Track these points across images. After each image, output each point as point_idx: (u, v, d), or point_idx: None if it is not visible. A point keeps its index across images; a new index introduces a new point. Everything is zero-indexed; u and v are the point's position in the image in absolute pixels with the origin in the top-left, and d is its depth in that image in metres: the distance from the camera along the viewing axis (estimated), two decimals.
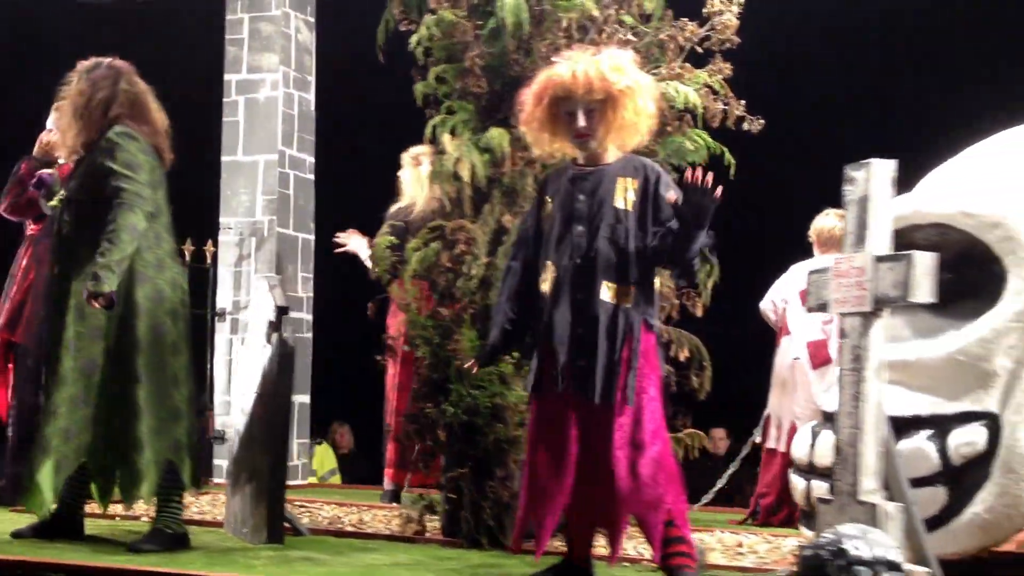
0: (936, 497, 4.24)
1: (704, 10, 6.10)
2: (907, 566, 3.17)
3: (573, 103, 3.99)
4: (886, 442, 4.02)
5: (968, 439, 4.18)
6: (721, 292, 5.70)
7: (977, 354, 4.20)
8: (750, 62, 6.88)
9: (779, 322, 6.37)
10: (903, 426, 4.34)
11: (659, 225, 3.96)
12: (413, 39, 5.18)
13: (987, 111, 6.26)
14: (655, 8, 5.81)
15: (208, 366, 7.96)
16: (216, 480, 7.94)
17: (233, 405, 5.10)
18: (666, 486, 3.93)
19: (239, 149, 8.23)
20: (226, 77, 8.32)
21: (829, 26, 9.02)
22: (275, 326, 4.94)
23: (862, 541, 3.11)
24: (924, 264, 3.88)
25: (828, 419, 4.53)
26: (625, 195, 3.99)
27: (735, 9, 6.08)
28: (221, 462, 7.95)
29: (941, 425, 4.26)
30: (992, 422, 4.16)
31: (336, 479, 9.50)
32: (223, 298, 8.10)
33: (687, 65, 6.03)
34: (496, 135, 4.89)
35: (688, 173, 3.82)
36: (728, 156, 6.26)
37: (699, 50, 6.21)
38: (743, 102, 6.22)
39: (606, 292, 3.91)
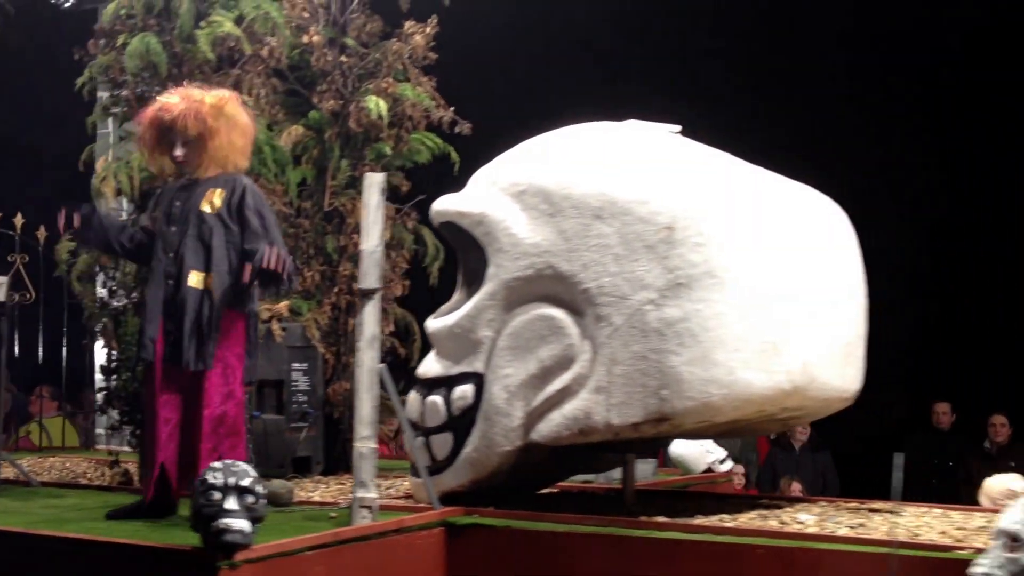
0: (446, 441, 5.27)
1: (401, 31, 7.17)
2: (268, 489, 4.17)
3: (174, 136, 5.11)
4: (377, 397, 5.08)
5: (462, 394, 5.19)
6: (448, 275, 6.72)
7: (467, 327, 5.20)
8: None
9: None
10: (431, 385, 5.40)
11: (243, 230, 5.04)
12: (79, 80, 6.37)
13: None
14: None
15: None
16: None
17: None
18: (225, 438, 5.03)
19: None
20: None
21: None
22: None
23: (221, 472, 4.11)
24: (371, 257, 4.92)
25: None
26: (212, 202, 5.07)
27: (428, 31, 7.12)
28: (101, 430, 9.38)
29: (449, 384, 5.27)
30: (479, 380, 5.16)
31: None
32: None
33: (390, 80, 7.09)
34: (137, 157, 6.00)
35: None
36: (454, 155, 7.34)
37: (427, 61, 7.29)
38: (452, 108, 7.28)
39: (192, 278, 5.00)
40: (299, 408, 6.76)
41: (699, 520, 4.89)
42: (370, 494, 4.86)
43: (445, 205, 5.40)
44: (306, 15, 7.11)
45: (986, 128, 9.55)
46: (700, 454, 7.35)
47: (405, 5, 7.39)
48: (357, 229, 6.99)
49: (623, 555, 4.65)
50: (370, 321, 5.07)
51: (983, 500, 6.11)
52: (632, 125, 5.48)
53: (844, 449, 9.58)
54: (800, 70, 9.72)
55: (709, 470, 7.33)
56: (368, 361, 5.07)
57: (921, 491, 6.42)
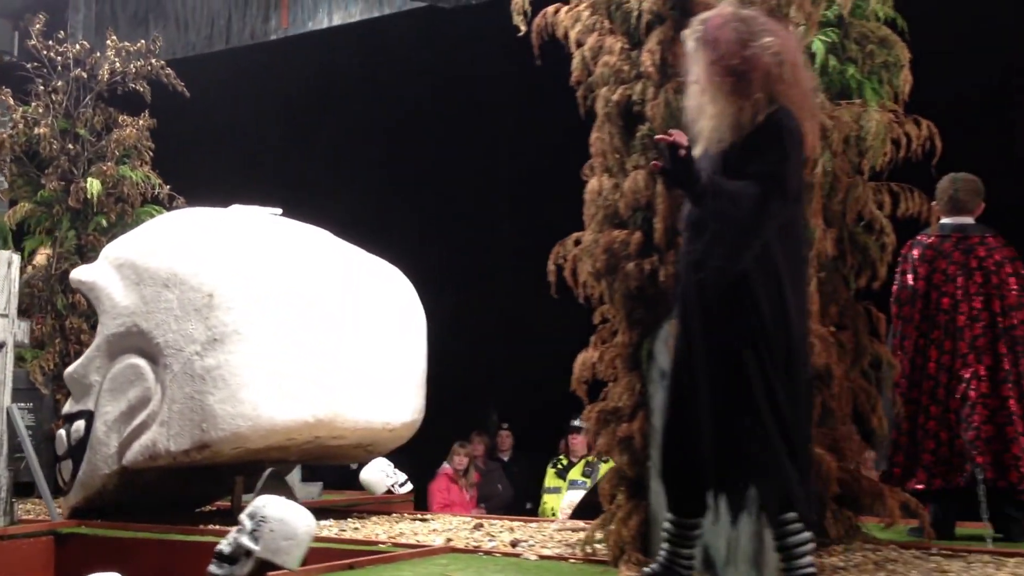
0: (69, 467, 6.55)
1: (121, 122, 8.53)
2: None
3: None
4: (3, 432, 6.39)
5: (77, 428, 6.48)
6: None
7: (83, 372, 6.50)
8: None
9: None
10: (64, 420, 6.69)
11: None
12: None
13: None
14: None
15: None
16: None
17: None
18: None
19: None
20: None
21: None
22: None
23: None
24: None
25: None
26: None
27: (141, 123, 8.48)
28: None
29: (71, 419, 6.57)
30: (89, 416, 6.44)
31: None
32: None
33: (110, 164, 8.44)
34: None
35: None
36: None
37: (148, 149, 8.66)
38: (168, 186, 8.65)
39: None
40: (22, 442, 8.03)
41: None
42: None
43: (73, 274, 6.72)
44: (41, 110, 8.48)
45: None
46: (381, 479, 8.60)
47: (147, 98, 8.76)
48: None
49: (171, 554, 5.89)
50: None
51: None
52: (235, 209, 6.79)
53: None
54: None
55: (389, 492, 8.58)
56: None
57: None
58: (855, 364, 5.83)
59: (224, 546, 4.16)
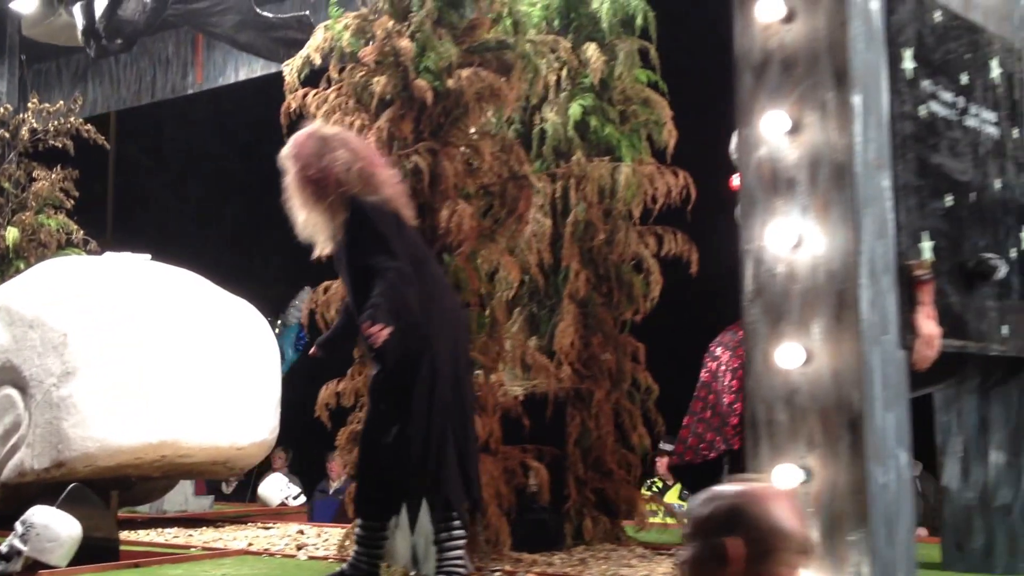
0: None
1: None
2: None
3: None
4: None
5: None
6: None
7: None
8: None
9: None
10: None
11: None
12: None
13: None
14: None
15: None
16: None
17: None
18: None
19: None
20: None
21: None
22: None
23: None
24: None
25: None
26: None
27: (54, 178, 9.48)
28: None
29: None
30: None
31: None
32: None
33: (29, 214, 9.45)
34: None
35: None
36: None
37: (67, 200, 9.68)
38: (82, 231, 9.65)
39: None
40: None
41: None
42: None
43: None
44: None
45: None
46: (276, 492, 9.52)
47: (71, 151, 9.78)
48: None
49: None
50: None
51: None
52: (108, 256, 7.74)
53: None
54: None
55: (283, 504, 9.49)
56: None
57: None
58: (616, 387, 6.66)
59: (2, 547, 5.06)
